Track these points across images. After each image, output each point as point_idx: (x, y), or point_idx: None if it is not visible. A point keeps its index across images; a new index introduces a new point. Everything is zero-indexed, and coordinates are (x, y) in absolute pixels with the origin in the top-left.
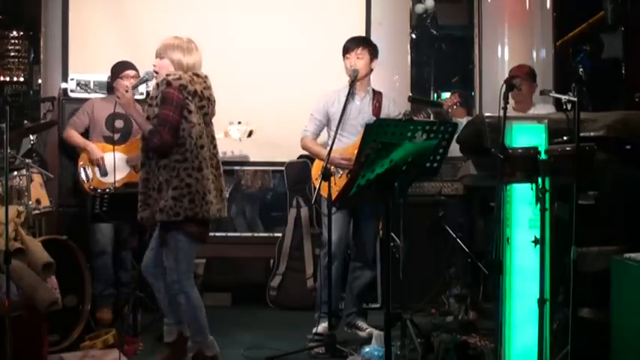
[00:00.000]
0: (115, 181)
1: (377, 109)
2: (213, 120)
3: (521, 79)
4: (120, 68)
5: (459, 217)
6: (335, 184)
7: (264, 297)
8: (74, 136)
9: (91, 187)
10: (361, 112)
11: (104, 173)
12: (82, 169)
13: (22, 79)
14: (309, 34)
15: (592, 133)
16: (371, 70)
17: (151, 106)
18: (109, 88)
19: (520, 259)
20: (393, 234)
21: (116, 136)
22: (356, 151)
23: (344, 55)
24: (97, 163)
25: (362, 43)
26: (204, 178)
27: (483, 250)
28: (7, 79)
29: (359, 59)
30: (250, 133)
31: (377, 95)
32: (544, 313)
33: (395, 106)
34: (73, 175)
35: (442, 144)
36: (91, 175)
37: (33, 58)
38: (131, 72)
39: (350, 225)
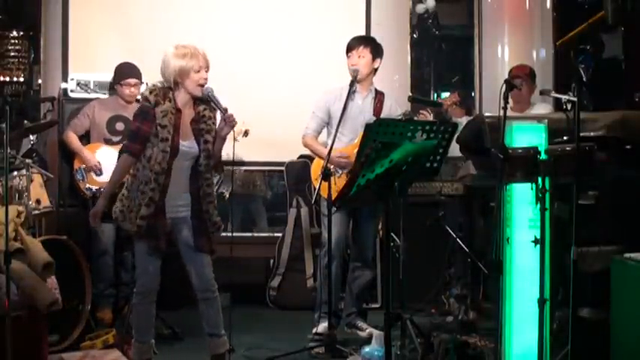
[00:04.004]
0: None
1: (378, 109)
2: None
3: (522, 80)
4: (122, 74)
5: (459, 217)
6: (335, 184)
7: (264, 297)
8: (72, 141)
9: (86, 187)
10: (362, 111)
11: (99, 173)
12: (78, 169)
13: (22, 79)
14: (308, 34)
15: (592, 133)
16: (374, 69)
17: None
18: (111, 88)
19: (520, 259)
20: (393, 234)
21: (117, 139)
22: (356, 151)
23: (346, 54)
24: (93, 170)
25: (363, 42)
26: None
27: (483, 250)
28: (7, 79)
29: (360, 58)
30: (246, 133)
31: (379, 95)
32: (544, 313)
33: (397, 106)
34: (73, 175)
35: (442, 144)
36: (86, 175)
37: (33, 58)
38: (132, 80)
39: (350, 225)
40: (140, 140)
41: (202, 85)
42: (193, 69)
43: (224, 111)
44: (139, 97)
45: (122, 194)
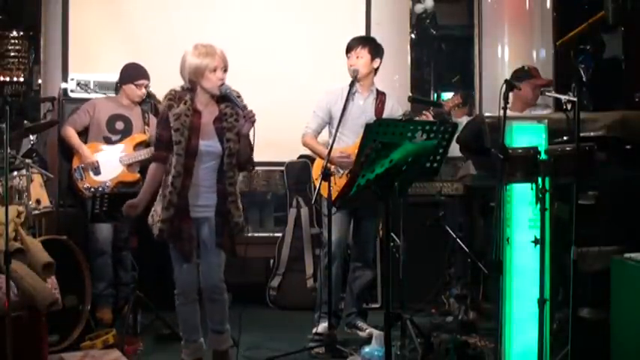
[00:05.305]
0: (107, 180)
1: (380, 109)
2: None
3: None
4: (136, 75)
5: (459, 217)
6: (335, 184)
7: (264, 297)
8: (71, 136)
9: (85, 186)
10: (364, 112)
11: (97, 172)
12: (76, 169)
13: (22, 79)
14: (309, 34)
15: (592, 133)
16: (373, 69)
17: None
18: (117, 88)
19: (520, 259)
20: (393, 234)
21: (116, 137)
22: (356, 151)
23: (346, 54)
24: (91, 167)
25: (361, 42)
26: None
27: (483, 250)
28: (7, 79)
29: (358, 59)
30: None
31: (380, 95)
32: (544, 313)
33: (399, 106)
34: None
35: (442, 144)
36: (84, 175)
37: (33, 58)
38: (145, 81)
39: (350, 225)
40: (163, 147)
41: (219, 85)
42: (208, 68)
43: (243, 108)
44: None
45: (156, 201)
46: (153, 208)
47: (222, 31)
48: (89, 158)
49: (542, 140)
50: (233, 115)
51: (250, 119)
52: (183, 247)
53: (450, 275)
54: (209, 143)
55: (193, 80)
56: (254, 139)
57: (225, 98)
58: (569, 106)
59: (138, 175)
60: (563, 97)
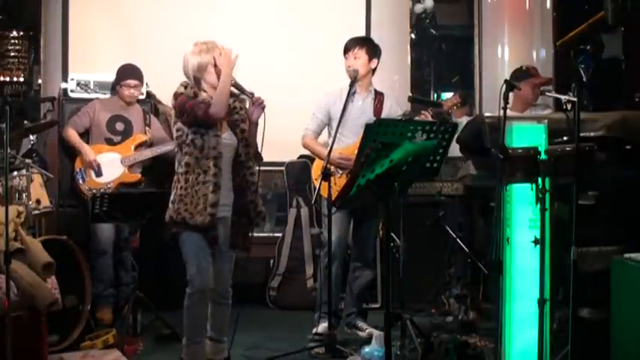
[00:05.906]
0: (109, 182)
1: (378, 109)
2: None
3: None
4: (122, 76)
5: (459, 217)
6: (335, 184)
7: (264, 297)
8: (72, 136)
9: (87, 188)
10: (363, 112)
11: (99, 174)
12: (78, 171)
13: (22, 79)
14: (308, 34)
15: (592, 133)
16: (371, 70)
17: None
18: (112, 88)
19: (520, 259)
20: (393, 234)
21: (117, 138)
22: (356, 151)
23: (344, 55)
24: (91, 166)
25: (359, 42)
26: None
27: (483, 250)
28: (7, 79)
29: (356, 59)
30: None
31: (379, 96)
32: (544, 313)
33: (397, 106)
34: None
35: (442, 144)
36: (86, 176)
37: (33, 58)
38: (132, 82)
39: (350, 225)
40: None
41: None
42: (210, 63)
43: (251, 95)
44: (141, 96)
45: (175, 198)
46: (174, 204)
47: (222, 31)
48: (90, 156)
49: (542, 140)
50: (242, 108)
51: (260, 105)
52: (216, 236)
53: (450, 275)
54: (225, 135)
55: (198, 77)
56: (263, 135)
57: (232, 93)
58: (569, 106)
59: (139, 176)
60: (563, 97)
